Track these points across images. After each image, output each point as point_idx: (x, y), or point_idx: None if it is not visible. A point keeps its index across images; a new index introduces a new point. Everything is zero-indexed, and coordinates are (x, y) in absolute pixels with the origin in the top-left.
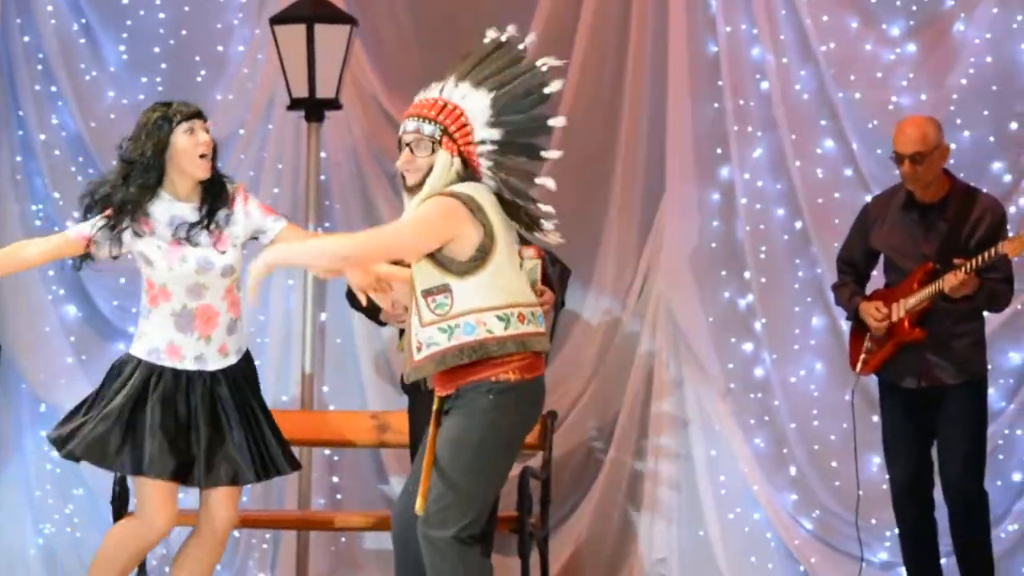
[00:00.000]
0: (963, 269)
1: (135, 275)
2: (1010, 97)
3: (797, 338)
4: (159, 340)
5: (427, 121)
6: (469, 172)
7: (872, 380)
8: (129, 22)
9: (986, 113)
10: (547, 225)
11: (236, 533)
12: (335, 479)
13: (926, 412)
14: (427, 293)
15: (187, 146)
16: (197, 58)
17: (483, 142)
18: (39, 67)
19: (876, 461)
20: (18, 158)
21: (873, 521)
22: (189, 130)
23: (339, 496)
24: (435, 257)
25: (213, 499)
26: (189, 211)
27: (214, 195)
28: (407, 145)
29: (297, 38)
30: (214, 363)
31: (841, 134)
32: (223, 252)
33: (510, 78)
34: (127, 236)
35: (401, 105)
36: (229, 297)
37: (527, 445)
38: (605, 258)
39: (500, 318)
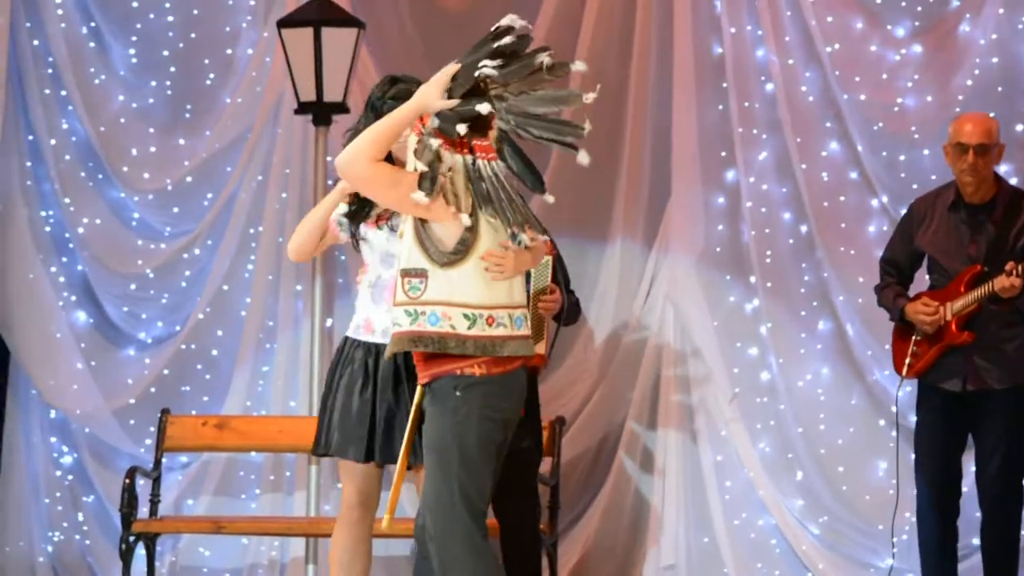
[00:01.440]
0: (1015, 272)
1: (145, 281)
2: (1016, 98)
3: (803, 342)
4: (359, 316)
5: None
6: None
7: (877, 384)
8: (138, 25)
9: (992, 114)
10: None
11: (244, 540)
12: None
13: (965, 417)
14: (405, 273)
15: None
16: (206, 61)
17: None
18: (48, 71)
19: (883, 466)
20: (28, 163)
21: (880, 527)
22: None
23: None
24: (422, 239)
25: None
26: None
27: None
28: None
29: (304, 41)
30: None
31: (846, 136)
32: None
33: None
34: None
35: None
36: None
37: None
38: (611, 262)
39: (466, 316)
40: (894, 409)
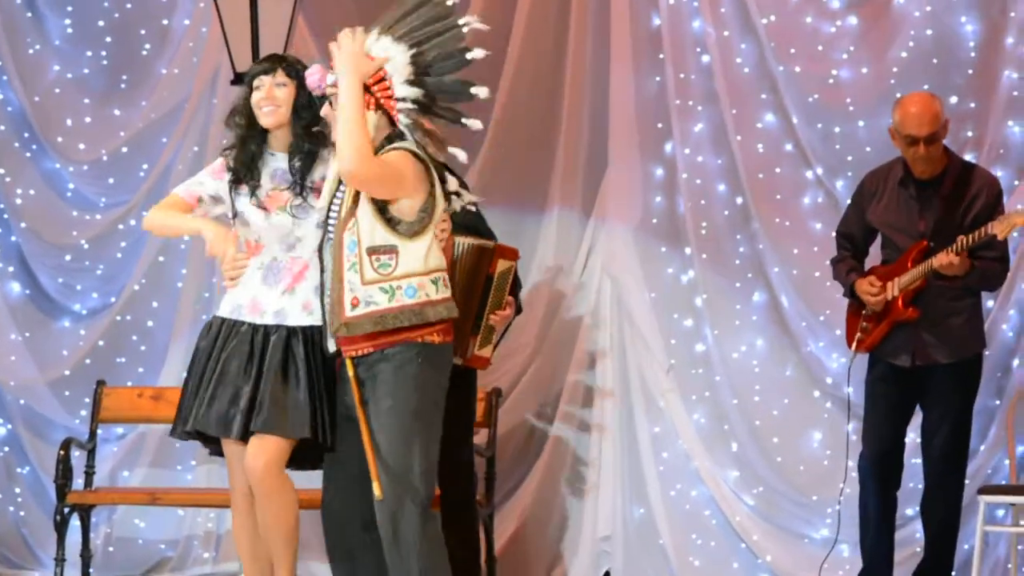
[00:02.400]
0: (954, 248)
1: (80, 252)
2: (950, 70)
3: (738, 313)
4: (242, 296)
5: None
6: (395, 127)
7: (812, 355)
8: None
9: (926, 86)
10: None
11: (180, 512)
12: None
13: (913, 390)
14: (372, 251)
15: (254, 101)
16: (142, 31)
17: (403, 99)
18: None
19: (817, 437)
20: None
21: (815, 497)
22: (258, 87)
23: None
24: (385, 215)
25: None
26: (279, 159)
27: (298, 148)
28: (328, 99)
29: (240, 10)
30: (295, 318)
31: (782, 108)
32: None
33: (430, 35)
34: (236, 196)
35: None
36: (316, 255)
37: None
38: (548, 233)
39: (433, 282)
40: (829, 380)
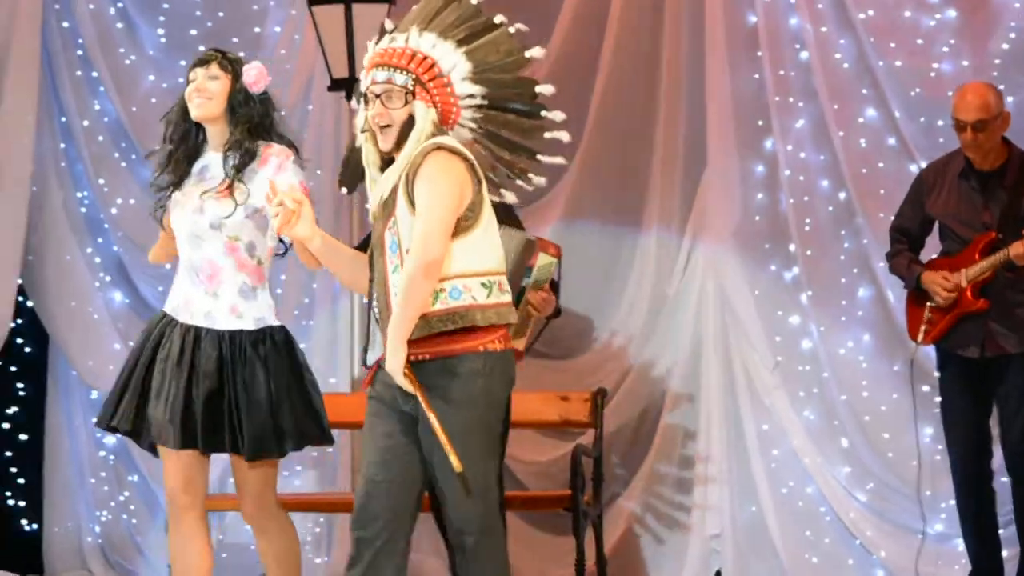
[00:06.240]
0: None
1: (177, 261)
2: None
3: (844, 309)
4: (178, 296)
5: (399, 71)
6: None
7: (920, 349)
8: (166, 5)
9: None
10: (519, 184)
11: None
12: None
13: (986, 383)
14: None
15: (187, 93)
16: (234, 40)
17: (471, 95)
18: (78, 52)
19: (929, 432)
20: (61, 145)
21: (928, 492)
22: (192, 79)
23: None
24: None
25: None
26: (215, 160)
27: (235, 145)
28: (377, 97)
29: (336, 18)
30: (224, 322)
31: (883, 102)
32: (223, 204)
33: (474, 33)
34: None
35: None
36: (234, 257)
37: (578, 423)
38: (649, 234)
39: (484, 285)
40: (937, 375)
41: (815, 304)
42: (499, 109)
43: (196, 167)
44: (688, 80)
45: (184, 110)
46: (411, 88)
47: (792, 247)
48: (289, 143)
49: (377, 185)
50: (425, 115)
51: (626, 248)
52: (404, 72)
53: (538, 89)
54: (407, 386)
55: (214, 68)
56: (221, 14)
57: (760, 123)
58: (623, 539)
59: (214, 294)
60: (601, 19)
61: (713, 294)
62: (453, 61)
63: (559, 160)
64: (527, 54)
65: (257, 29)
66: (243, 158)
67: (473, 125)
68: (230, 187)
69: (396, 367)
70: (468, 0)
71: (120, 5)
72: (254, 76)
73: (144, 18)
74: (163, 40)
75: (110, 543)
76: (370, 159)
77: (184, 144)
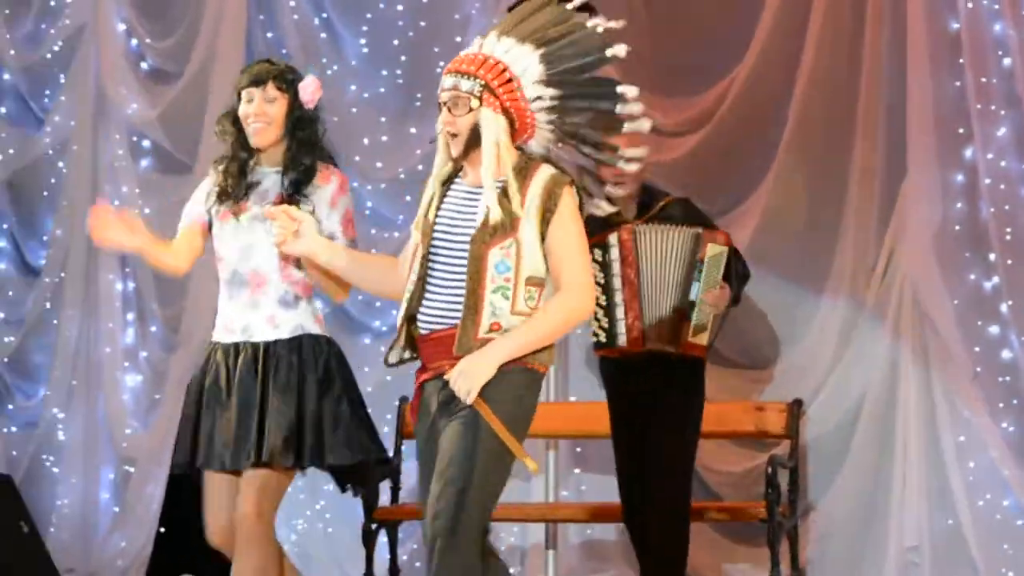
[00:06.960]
0: None
1: None
2: None
3: None
4: (219, 318)
5: (465, 77)
6: (514, 130)
7: None
8: (368, 15)
9: None
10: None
11: None
12: (577, 471)
13: None
14: (530, 281)
15: (243, 114)
16: (436, 49)
17: (540, 98)
18: None
19: None
20: None
21: None
22: (248, 100)
23: (583, 487)
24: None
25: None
26: (269, 176)
27: (293, 164)
28: (444, 104)
29: None
30: (260, 334)
31: None
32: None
33: (558, 35)
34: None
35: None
36: (285, 270)
37: (774, 435)
38: (845, 243)
39: None
40: None
41: (1015, 314)
42: (575, 110)
43: (254, 188)
44: (888, 87)
45: (239, 129)
46: (477, 94)
47: (992, 256)
48: (329, 156)
49: (481, 201)
50: (493, 122)
51: (822, 256)
52: (471, 78)
53: (620, 89)
54: (470, 397)
55: (271, 90)
56: (423, 23)
57: (961, 131)
58: (818, 550)
59: (254, 304)
60: (803, 24)
61: (911, 303)
62: (525, 64)
63: (641, 152)
64: (608, 52)
65: (458, 38)
66: (303, 175)
67: (551, 127)
68: (290, 203)
69: (483, 378)
70: (559, 4)
71: (324, 16)
72: (310, 94)
73: (347, 28)
74: (365, 51)
75: (306, 552)
76: (439, 169)
77: (243, 158)
